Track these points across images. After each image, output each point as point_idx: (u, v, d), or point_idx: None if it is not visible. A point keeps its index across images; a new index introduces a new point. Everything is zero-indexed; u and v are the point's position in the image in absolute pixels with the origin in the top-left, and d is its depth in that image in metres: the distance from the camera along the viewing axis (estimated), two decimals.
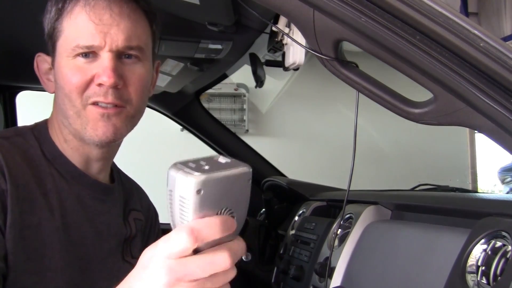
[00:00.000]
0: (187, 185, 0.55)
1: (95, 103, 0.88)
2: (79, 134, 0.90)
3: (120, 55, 0.89)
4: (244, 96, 4.66)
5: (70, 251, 0.88)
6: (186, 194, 0.55)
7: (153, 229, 1.14)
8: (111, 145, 0.94)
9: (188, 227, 0.53)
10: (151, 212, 1.15)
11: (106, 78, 0.87)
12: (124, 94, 0.89)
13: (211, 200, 0.55)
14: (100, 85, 0.88)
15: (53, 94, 0.96)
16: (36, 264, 0.83)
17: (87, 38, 0.88)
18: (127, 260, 1.00)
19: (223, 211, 0.56)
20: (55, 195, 0.88)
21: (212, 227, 0.53)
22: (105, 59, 0.88)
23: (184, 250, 0.53)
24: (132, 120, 0.93)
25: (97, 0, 0.88)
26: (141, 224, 1.08)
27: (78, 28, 0.88)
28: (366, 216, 1.16)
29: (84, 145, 0.92)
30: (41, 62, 0.95)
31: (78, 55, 0.88)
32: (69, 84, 0.88)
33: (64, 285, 0.86)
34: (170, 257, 0.53)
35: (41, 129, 0.95)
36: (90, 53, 0.88)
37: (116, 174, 1.05)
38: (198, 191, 0.54)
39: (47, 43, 0.93)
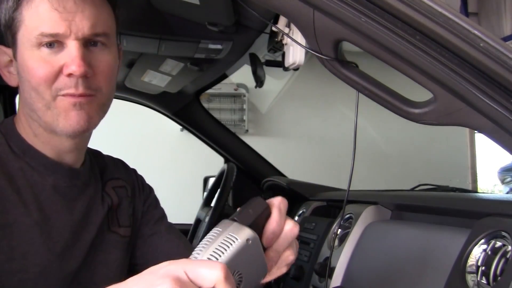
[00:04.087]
0: (243, 231, 0.60)
1: (65, 95, 0.86)
2: (50, 127, 0.87)
3: (86, 43, 0.86)
4: (244, 96, 4.65)
5: (54, 242, 0.86)
6: (237, 235, 0.59)
7: (141, 191, 1.10)
8: (83, 135, 0.91)
9: (225, 266, 0.53)
10: (134, 176, 1.10)
11: (76, 67, 0.84)
12: (94, 83, 0.87)
13: (242, 258, 0.58)
14: (69, 75, 0.85)
15: None
16: (20, 262, 0.82)
17: (51, 26, 0.85)
18: (113, 230, 0.99)
19: (235, 273, 0.58)
20: (29, 190, 0.86)
21: (230, 280, 0.54)
22: (72, 47, 0.85)
23: (209, 280, 0.53)
24: (103, 108, 0.91)
25: None
26: (124, 191, 1.04)
27: (40, 17, 0.85)
28: (366, 216, 1.16)
29: (55, 138, 0.89)
30: (0, 54, 0.90)
31: (42, 45, 0.85)
32: (36, 77, 0.85)
33: (54, 275, 0.86)
34: (188, 273, 0.53)
35: (7, 125, 0.92)
36: (55, 42, 0.85)
37: (86, 154, 1.00)
38: (248, 240, 0.59)
39: (4, 34, 0.89)
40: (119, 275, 1.00)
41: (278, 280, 1.52)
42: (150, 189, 1.14)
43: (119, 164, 1.10)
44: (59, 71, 0.85)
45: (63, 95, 0.85)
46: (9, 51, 0.89)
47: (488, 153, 4.82)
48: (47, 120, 0.86)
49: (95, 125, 0.89)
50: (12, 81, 0.91)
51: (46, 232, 0.86)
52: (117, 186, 1.04)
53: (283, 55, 1.17)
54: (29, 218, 0.84)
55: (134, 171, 1.13)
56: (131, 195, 1.06)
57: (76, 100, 0.85)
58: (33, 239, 0.84)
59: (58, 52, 0.85)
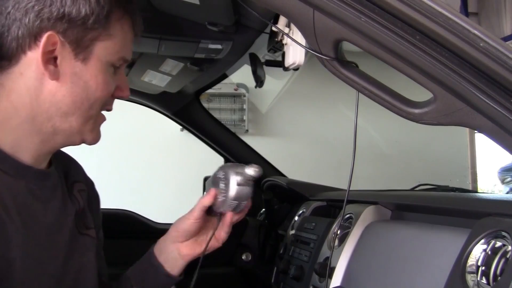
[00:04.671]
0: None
1: (102, 111, 0.93)
2: (78, 137, 0.90)
3: None
4: (244, 96, 4.66)
5: (32, 246, 0.85)
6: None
7: (92, 194, 1.10)
8: None
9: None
10: (87, 178, 1.10)
11: (128, 92, 0.95)
12: None
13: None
14: (114, 96, 0.94)
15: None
16: (6, 270, 0.80)
17: (130, 54, 0.94)
18: (84, 233, 0.99)
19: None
20: (8, 194, 0.83)
21: None
22: (123, 74, 0.95)
23: None
24: None
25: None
26: (85, 194, 1.05)
27: (126, 42, 0.92)
28: (366, 216, 1.16)
29: (49, 142, 0.89)
30: (51, 42, 0.83)
31: (113, 66, 0.90)
32: (99, 93, 0.89)
33: (37, 280, 0.85)
34: None
35: None
36: None
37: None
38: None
39: (58, 23, 0.83)
40: (96, 278, 1.01)
41: (278, 280, 1.52)
42: (98, 195, 1.13)
43: (77, 164, 1.09)
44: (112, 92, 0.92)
45: (103, 113, 0.93)
46: (63, 43, 0.84)
47: (488, 153, 4.82)
48: (80, 129, 0.90)
49: None
50: (51, 74, 0.85)
51: (26, 237, 0.84)
52: (81, 190, 1.04)
53: (283, 55, 1.17)
54: (12, 224, 0.82)
55: (84, 171, 1.11)
56: (88, 198, 1.06)
57: (105, 120, 0.94)
58: (18, 245, 0.82)
59: (114, 74, 0.92)
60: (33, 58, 0.84)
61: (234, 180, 1.07)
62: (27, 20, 0.82)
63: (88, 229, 1.01)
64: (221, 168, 1.12)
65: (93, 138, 0.92)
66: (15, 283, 0.81)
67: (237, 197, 1.08)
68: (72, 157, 1.08)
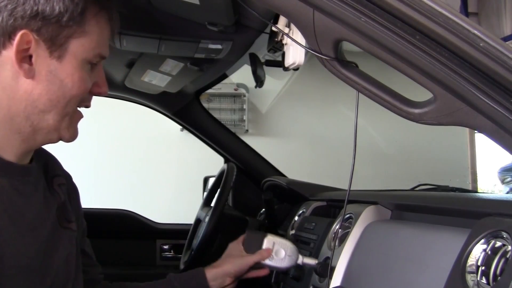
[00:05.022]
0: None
1: (80, 107, 0.92)
2: (55, 134, 0.90)
3: None
4: (244, 96, 4.65)
5: (21, 240, 0.86)
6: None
7: (71, 187, 1.10)
8: None
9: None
10: (64, 172, 1.09)
11: (106, 89, 0.93)
12: None
13: None
14: (97, 94, 0.92)
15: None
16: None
17: (107, 51, 0.91)
18: (65, 226, 0.99)
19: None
20: None
21: None
22: (101, 70, 0.93)
23: None
24: None
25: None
26: (65, 188, 1.05)
27: (103, 39, 0.90)
28: (366, 216, 1.16)
29: (29, 141, 0.89)
30: (25, 40, 0.82)
31: (90, 62, 0.89)
32: (75, 90, 0.87)
33: (22, 273, 0.85)
34: None
35: None
36: None
37: None
38: None
39: (32, 21, 0.82)
40: (79, 270, 1.02)
41: (278, 280, 1.52)
42: (76, 188, 1.13)
43: (55, 159, 1.08)
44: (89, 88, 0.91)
45: (80, 110, 0.92)
46: (37, 41, 0.83)
47: (488, 153, 4.82)
48: (57, 126, 0.89)
49: None
50: (26, 72, 0.84)
51: (13, 233, 0.84)
52: (61, 184, 1.03)
53: (283, 55, 1.17)
54: (1, 221, 0.82)
55: (61, 165, 1.11)
56: (67, 192, 1.06)
57: (82, 117, 0.93)
58: (6, 242, 0.82)
59: (91, 71, 0.91)
60: (8, 57, 0.83)
61: (296, 260, 1.24)
62: (0, 19, 0.81)
63: (70, 222, 1.01)
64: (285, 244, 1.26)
65: (70, 135, 0.92)
66: (3, 279, 0.81)
67: (285, 270, 1.27)
68: (49, 152, 1.08)
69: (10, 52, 0.83)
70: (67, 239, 0.98)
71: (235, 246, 1.32)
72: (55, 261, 0.93)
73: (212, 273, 1.26)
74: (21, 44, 0.82)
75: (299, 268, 1.33)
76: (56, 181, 1.02)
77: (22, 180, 0.90)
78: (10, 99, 0.85)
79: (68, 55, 0.86)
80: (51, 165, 1.04)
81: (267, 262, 1.24)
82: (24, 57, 0.83)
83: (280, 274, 1.49)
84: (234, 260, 1.28)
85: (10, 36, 0.82)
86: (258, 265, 1.26)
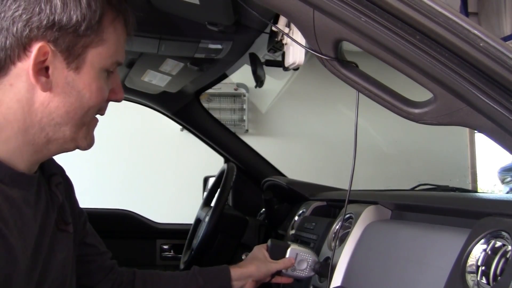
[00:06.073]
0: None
1: (96, 115, 0.90)
2: (72, 143, 0.88)
3: None
4: (244, 96, 4.65)
5: (28, 251, 0.83)
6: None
7: (66, 182, 1.06)
8: None
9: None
10: (58, 166, 1.06)
11: (122, 94, 0.92)
12: None
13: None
14: (109, 100, 0.90)
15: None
16: (3, 285, 0.76)
17: (123, 57, 0.89)
18: (62, 229, 0.96)
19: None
20: (3, 203, 0.79)
21: None
22: (117, 76, 0.91)
23: None
24: None
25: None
26: (62, 187, 1.01)
27: (120, 45, 0.88)
28: (366, 216, 1.16)
29: (43, 151, 0.86)
30: (42, 52, 0.80)
31: (107, 70, 0.87)
32: (94, 100, 0.85)
33: (25, 280, 0.82)
34: None
35: None
36: None
37: None
38: None
39: (48, 31, 0.79)
40: (74, 272, 1.00)
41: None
42: (70, 181, 1.09)
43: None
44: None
45: (95, 116, 0.90)
46: (54, 52, 0.80)
47: (488, 153, 4.82)
48: (74, 137, 0.87)
49: None
50: (43, 86, 0.81)
51: (22, 247, 0.81)
52: (58, 183, 0.99)
53: (283, 55, 1.17)
54: (12, 237, 0.78)
55: (53, 159, 1.06)
56: (65, 190, 1.03)
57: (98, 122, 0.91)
58: (16, 258, 0.78)
59: (108, 78, 0.89)
60: (23, 69, 0.80)
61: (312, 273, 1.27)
62: (15, 29, 0.78)
63: (67, 224, 0.98)
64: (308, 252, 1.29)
65: (88, 143, 0.90)
66: (17, 282, 0.79)
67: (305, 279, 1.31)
68: None
69: (25, 64, 0.80)
70: (64, 243, 0.96)
71: (260, 250, 1.31)
72: (53, 267, 0.91)
73: (237, 273, 1.26)
74: (38, 57, 0.79)
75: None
76: (54, 181, 0.99)
77: (30, 190, 0.87)
78: (25, 111, 0.82)
79: (86, 66, 0.83)
80: (46, 162, 0.99)
81: (289, 272, 1.27)
82: (41, 69, 0.80)
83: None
84: (259, 264, 1.27)
85: (25, 47, 0.79)
86: (278, 273, 1.29)
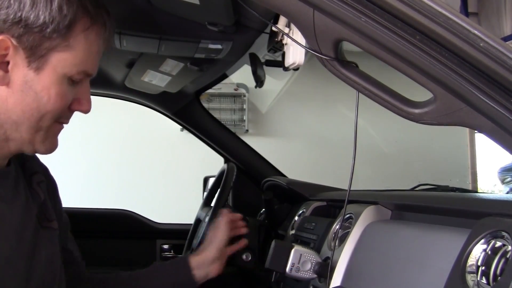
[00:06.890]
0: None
1: (60, 123, 0.89)
2: (29, 146, 0.87)
3: None
4: (244, 96, 4.66)
5: (4, 246, 0.84)
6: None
7: (49, 181, 1.07)
8: None
9: None
10: (41, 165, 1.07)
11: (89, 107, 0.89)
12: None
13: None
14: (72, 110, 0.89)
15: None
16: None
17: (94, 69, 0.88)
18: (45, 226, 0.96)
19: None
20: None
21: None
22: (86, 87, 0.89)
23: None
24: None
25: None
26: (44, 185, 1.02)
27: (90, 56, 0.86)
28: (366, 216, 1.16)
29: (4, 147, 0.87)
30: (4, 46, 0.80)
31: (72, 79, 0.85)
32: (51, 105, 0.84)
33: (7, 278, 0.83)
34: None
35: None
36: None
37: None
38: None
39: (14, 26, 0.80)
40: (62, 269, 1.00)
41: (278, 280, 1.52)
42: (53, 180, 1.10)
43: (32, 155, 1.04)
44: (69, 105, 0.87)
45: (58, 123, 0.88)
46: (16, 48, 0.81)
47: (488, 153, 4.82)
48: (31, 140, 0.86)
49: None
50: (2, 81, 0.82)
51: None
52: (40, 181, 1.00)
53: (283, 55, 1.17)
54: None
55: (36, 157, 1.07)
56: (47, 188, 1.03)
57: (62, 129, 0.90)
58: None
59: (75, 86, 0.87)
60: None
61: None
62: None
63: (50, 221, 0.99)
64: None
65: (46, 148, 0.88)
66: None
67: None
68: None
69: None
70: (48, 239, 0.96)
71: (214, 233, 1.38)
72: (38, 263, 0.91)
73: (197, 261, 1.29)
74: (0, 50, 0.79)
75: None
76: (35, 179, 0.99)
77: (1, 184, 0.87)
78: None
79: (48, 68, 0.82)
80: (28, 162, 1.00)
81: (294, 273, 1.27)
82: (2, 63, 0.81)
83: (280, 274, 1.49)
84: (215, 246, 1.35)
85: None
86: (237, 237, 1.35)
